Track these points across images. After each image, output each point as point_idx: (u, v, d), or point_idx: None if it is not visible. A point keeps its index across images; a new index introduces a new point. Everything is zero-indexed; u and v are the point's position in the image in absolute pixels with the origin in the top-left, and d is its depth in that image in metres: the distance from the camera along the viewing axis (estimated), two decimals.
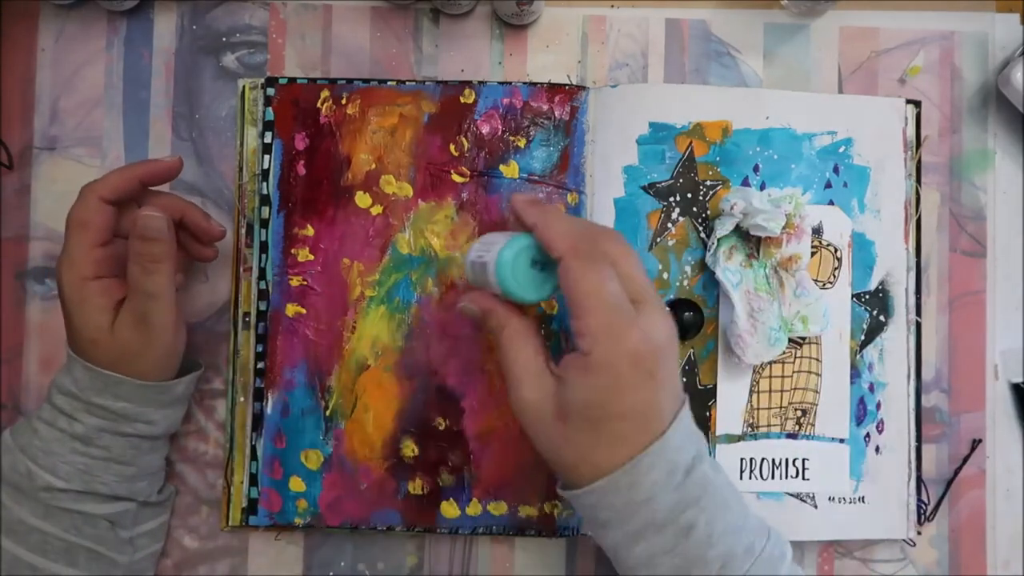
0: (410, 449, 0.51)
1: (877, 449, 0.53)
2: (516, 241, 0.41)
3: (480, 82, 0.53)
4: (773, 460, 0.52)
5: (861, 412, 0.53)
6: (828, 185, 0.53)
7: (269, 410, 0.51)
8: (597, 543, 0.42)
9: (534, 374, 0.41)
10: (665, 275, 0.52)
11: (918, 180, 0.55)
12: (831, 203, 0.53)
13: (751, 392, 0.52)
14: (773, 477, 0.52)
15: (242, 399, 0.52)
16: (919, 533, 0.54)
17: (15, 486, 0.46)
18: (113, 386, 0.46)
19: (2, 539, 0.45)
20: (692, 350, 0.52)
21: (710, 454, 0.51)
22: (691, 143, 0.52)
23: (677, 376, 0.41)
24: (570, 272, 0.39)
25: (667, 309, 0.41)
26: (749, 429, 0.52)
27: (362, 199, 0.52)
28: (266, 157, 0.52)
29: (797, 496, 0.52)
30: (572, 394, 0.39)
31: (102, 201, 0.45)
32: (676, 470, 0.39)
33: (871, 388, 0.53)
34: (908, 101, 0.54)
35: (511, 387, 0.41)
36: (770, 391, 0.52)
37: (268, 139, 0.52)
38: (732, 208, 0.49)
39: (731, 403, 0.52)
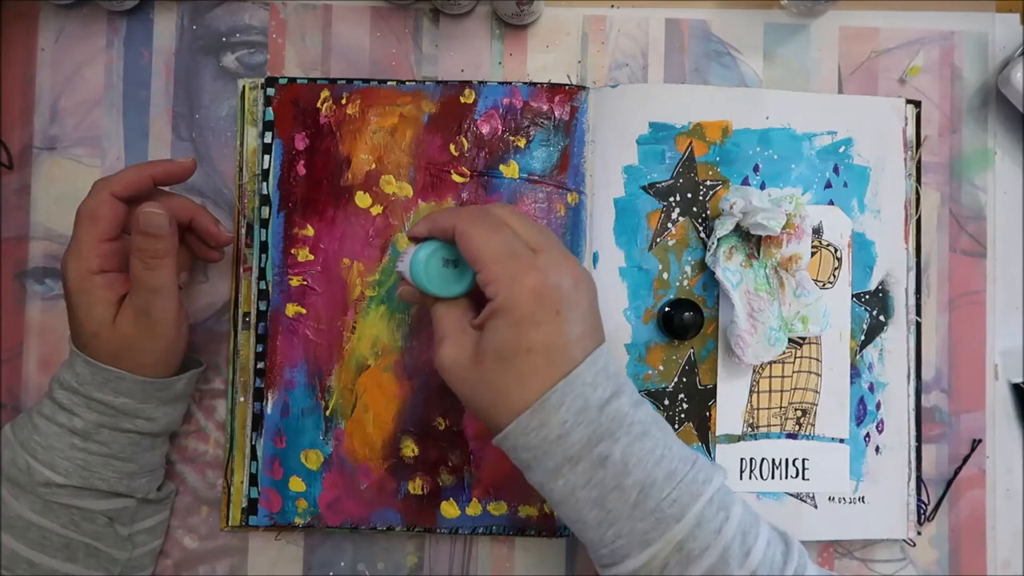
0: (410, 449, 0.51)
1: (877, 449, 0.53)
2: (425, 245, 0.44)
3: (480, 82, 0.53)
4: (773, 460, 0.52)
5: (861, 412, 0.53)
6: (828, 185, 0.53)
7: (269, 410, 0.51)
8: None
9: (459, 331, 0.43)
10: (665, 275, 0.52)
11: (918, 180, 0.55)
12: (831, 203, 0.53)
13: (751, 392, 0.52)
14: (773, 477, 0.52)
15: (242, 399, 0.52)
16: (919, 533, 0.54)
17: (14, 481, 0.46)
18: (114, 381, 0.46)
19: (1, 534, 0.45)
20: (692, 350, 0.52)
21: (710, 454, 0.51)
22: (691, 143, 0.52)
23: (590, 318, 0.42)
24: (464, 235, 0.42)
25: (571, 256, 0.43)
26: (749, 429, 0.52)
27: (362, 199, 0.52)
28: (266, 157, 0.52)
29: (797, 496, 0.52)
30: (486, 338, 0.41)
31: (113, 197, 0.46)
32: (588, 407, 0.40)
33: (871, 388, 0.53)
34: (908, 101, 0.54)
35: (436, 347, 0.43)
36: (770, 391, 0.52)
37: (268, 139, 0.52)
38: (732, 207, 0.49)
39: (731, 403, 0.52)
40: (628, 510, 0.39)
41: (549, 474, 0.40)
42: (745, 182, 0.52)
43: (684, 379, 0.52)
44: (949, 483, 0.54)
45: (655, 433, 0.41)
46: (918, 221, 0.54)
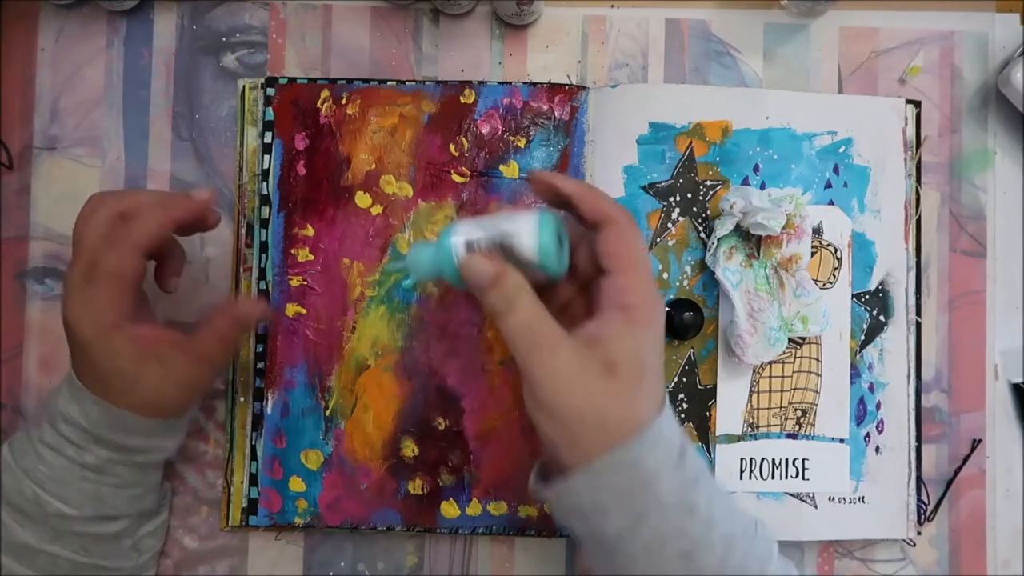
0: (410, 449, 0.51)
1: (877, 449, 0.53)
2: (548, 217, 0.41)
3: (480, 82, 0.53)
4: (773, 460, 0.52)
5: (861, 412, 0.53)
6: (828, 185, 0.53)
7: (269, 410, 0.51)
8: (581, 541, 0.40)
9: (564, 336, 0.39)
10: (665, 275, 0.52)
11: (918, 180, 0.55)
12: (831, 203, 0.53)
13: (751, 392, 0.52)
14: (773, 477, 0.52)
15: (242, 399, 0.52)
16: (919, 533, 0.54)
17: (18, 508, 0.44)
18: (128, 423, 0.44)
19: (2, 558, 0.44)
20: (692, 350, 0.52)
21: (710, 454, 0.51)
22: (691, 143, 0.52)
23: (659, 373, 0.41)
24: (623, 232, 0.40)
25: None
26: (749, 429, 0.52)
27: (362, 199, 0.52)
28: (266, 157, 0.52)
29: (797, 496, 0.52)
30: (619, 346, 0.38)
31: (140, 253, 0.43)
32: (672, 449, 0.38)
33: (871, 388, 0.53)
34: (908, 101, 0.54)
35: (541, 355, 0.38)
36: (770, 391, 0.52)
37: (268, 139, 0.52)
38: (731, 207, 0.49)
39: (731, 403, 0.52)
40: (717, 563, 0.37)
41: (633, 519, 0.37)
42: (745, 182, 0.52)
43: (684, 379, 0.52)
44: (949, 483, 0.54)
45: (722, 486, 0.41)
46: (918, 221, 0.54)
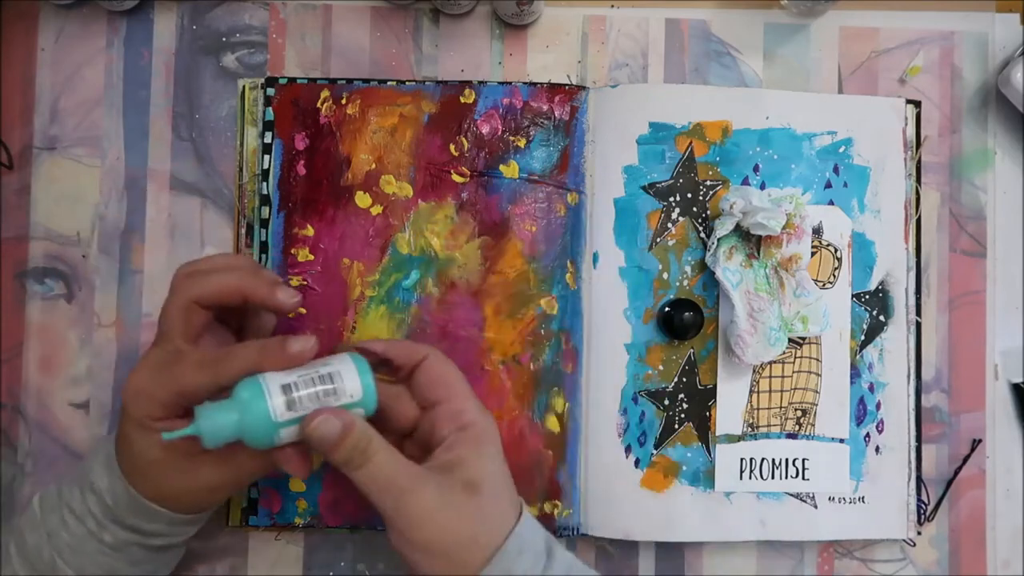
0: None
1: (877, 449, 0.53)
2: (358, 357, 0.42)
3: (480, 82, 0.53)
4: (773, 460, 0.52)
5: (861, 412, 0.53)
6: (828, 185, 0.53)
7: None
8: None
9: (421, 472, 0.41)
10: (665, 275, 0.52)
11: (918, 180, 0.55)
12: (831, 203, 0.53)
13: (751, 392, 0.52)
14: (773, 477, 0.52)
15: None
16: (919, 533, 0.54)
17: (34, 567, 0.43)
18: (151, 514, 0.43)
19: None
20: (692, 350, 0.52)
21: (710, 454, 0.51)
22: (691, 143, 0.52)
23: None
24: (437, 364, 0.44)
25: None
26: (749, 429, 0.52)
27: (362, 199, 0.52)
28: (266, 157, 0.52)
29: (797, 496, 0.52)
30: (476, 464, 0.41)
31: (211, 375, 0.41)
32: (539, 550, 0.41)
33: (871, 388, 0.53)
34: (908, 101, 0.54)
35: (407, 498, 0.40)
36: (770, 391, 0.52)
37: (268, 139, 0.52)
38: (731, 207, 0.49)
39: (731, 403, 0.52)
40: None
41: None
42: (745, 182, 0.52)
43: (684, 379, 0.52)
44: (949, 483, 0.54)
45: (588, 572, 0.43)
46: (918, 221, 0.54)
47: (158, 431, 0.40)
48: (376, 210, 0.52)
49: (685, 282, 0.52)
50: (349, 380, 0.41)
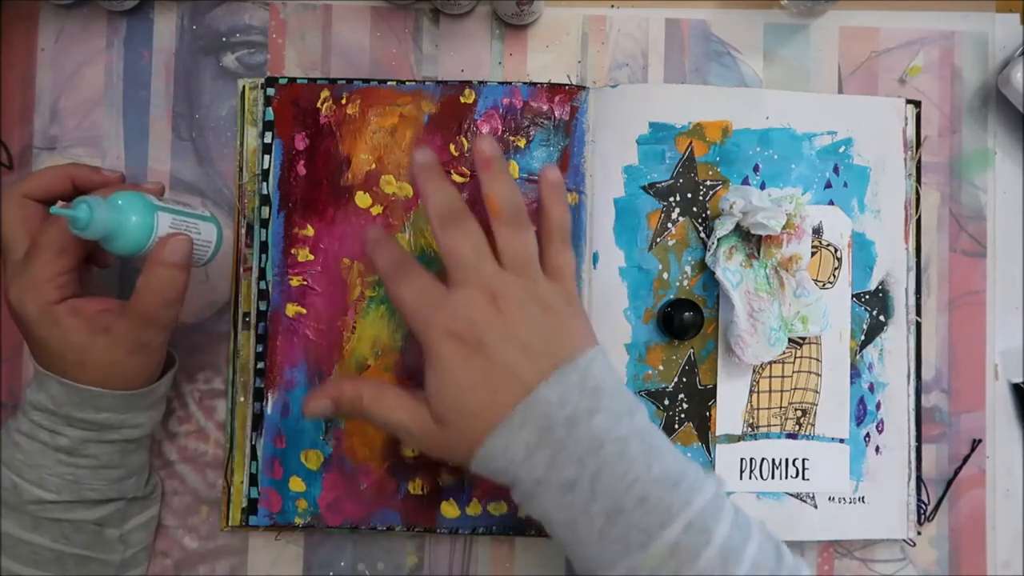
0: (410, 449, 0.51)
1: (877, 449, 0.53)
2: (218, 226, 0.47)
3: (480, 82, 0.53)
4: (773, 460, 0.52)
5: (861, 412, 0.53)
6: (828, 185, 0.53)
7: (269, 410, 0.51)
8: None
9: (412, 410, 0.42)
10: (665, 275, 0.52)
11: (918, 180, 0.55)
12: (831, 203, 0.53)
13: (751, 392, 0.52)
14: (773, 477, 0.52)
15: (242, 399, 0.52)
16: (919, 533, 0.54)
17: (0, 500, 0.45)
18: (94, 399, 0.44)
19: None
20: (692, 350, 0.52)
21: (710, 454, 0.51)
22: (691, 143, 0.52)
23: (541, 337, 0.41)
24: (390, 293, 0.44)
25: (500, 281, 0.42)
26: (749, 429, 0.52)
27: (362, 199, 0.52)
28: (266, 157, 0.52)
29: (797, 496, 0.52)
30: (431, 394, 0.41)
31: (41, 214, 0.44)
32: (553, 426, 0.39)
33: (871, 388, 0.53)
34: (908, 101, 0.54)
35: (403, 440, 0.44)
36: (770, 391, 0.52)
37: (268, 139, 0.52)
38: (731, 207, 0.49)
39: (731, 403, 0.52)
40: (595, 536, 0.38)
41: (524, 498, 0.40)
42: (745, 182, 0.52)
43: (684, 379, 0.52)
44: (949, 483, 0.54)
45: (634, 452, 0.39)
46: (918, 221, 0.54)
47: (61, 307, 0.43)
48: (376, 210, 0.52)
49: (685, 282, 0.52)
50: (206, 231, 0.46)
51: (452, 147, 0.52)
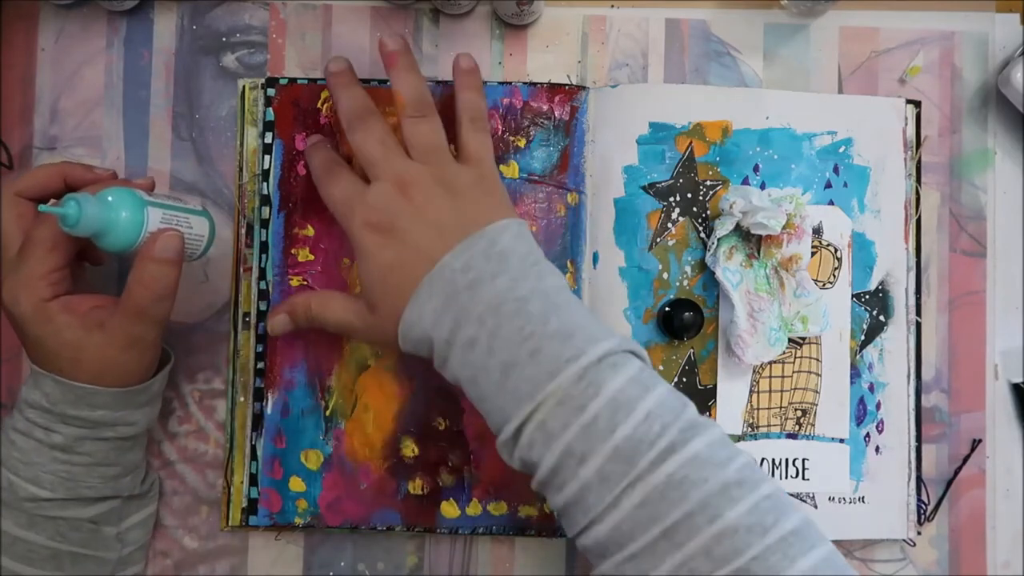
0: (410, 449, 0.51)
1: (877, 449, 0.53)
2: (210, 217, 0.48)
3: None
4: (773, 460, 0.52)
5: (861, 412, 0.53)
6: (828, 185, 0.53)
7: (269, 410, 0.51)
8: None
9: (352, 307, 0.45)
10: (665, 275, 0.52)
11: (918, 180, 0.55)
12: (831, 203, 0.53)
13: (751, 392, 0.52)
14: (773, 477, 0.52)
15: (242, 399, 0.52)
16: (919, 533, 0.54)
17: None
18: (88, 397, 0.44)
19: None
20: (692, 350, 0.52)
21: None
22: (691, 143, 0.52)
23: (450, 213, 0.43)
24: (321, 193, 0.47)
25: (409, 168, 0.44)
26: (749, 429, 0.52)
27: None
28: (266, 157, 0.52)
29: (797, 496, 0.52)
30: (363, 286, 0.44)
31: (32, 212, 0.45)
32: (456, 292, 0.41)
33: (871, 388, 0.53)
34: (908, 101, 0.54)
35: (351, 335, 0.49)
36: (770, 391, 0.52)
37: (268, 139, 0.52)
38: (731, 207, 0.49)
39: (731, 403, 0.52)
40: (494, 389, 0.40)
41: (441, 363, 0.43)
42: (745, 182, 0.52)
43: (684, 379, 0.52)
44: (949, 483, 0.54)
45: (533, 309, 0.40)
46: (918, 221, 0.54)
47: (55, 304, 0.43)
48: None
49: (685, 282, 0.52)
50: (198, 225, 0.47)
51: (452, 147, 0.52)
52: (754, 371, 0.52)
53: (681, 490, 0.36)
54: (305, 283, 0.52)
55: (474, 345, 0.41)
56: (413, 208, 0.43)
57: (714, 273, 0.50)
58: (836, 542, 0.53)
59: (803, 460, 0.52)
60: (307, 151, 0.49)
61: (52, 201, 0.45)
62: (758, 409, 0.52)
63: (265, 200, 0.52)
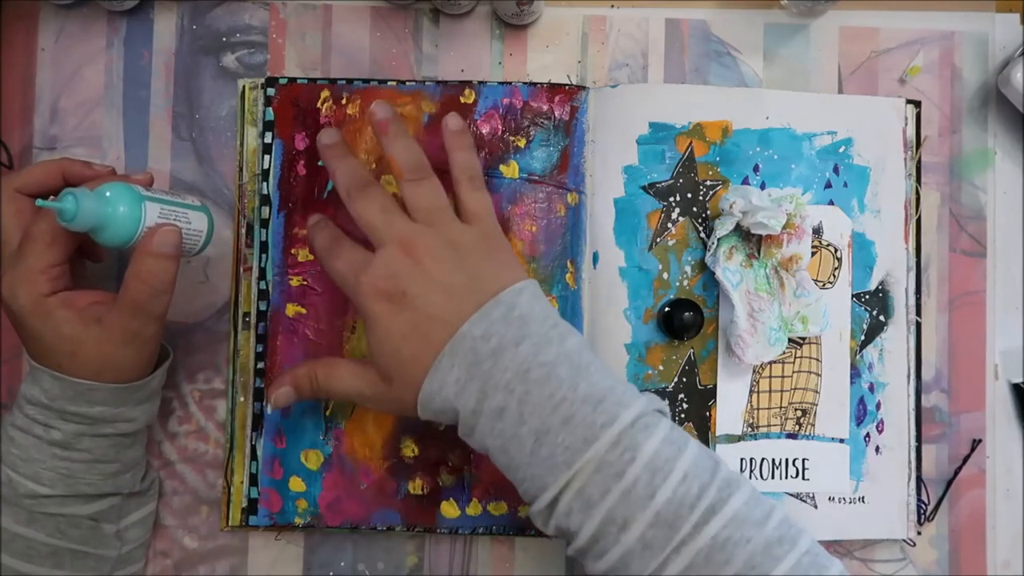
0: (410, 449, 0.51)
1: (877, 449, 0.53)
2: (209, 213, 0.48)
3: (480, 82, 0.53)
4: (773, 460, 0.52)
5: (861, 412, 0.53)
6: (828, 185, 0.53)
7: (269, 410, 0.51)
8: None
9: (362, 375, 0.44)
10: (665, 275, 0.52)
11: (918, 180, 0.55)
12: (831, 203, 0.53)
13: (751, 392, 0.52)
14: (773, 477, 0.52)
15: (242, 399, 0.52)
16: (919, 533, 0.54)
17: None
18: (86, 393, 0.44)
19: None
20: (692, 350, 0.52)
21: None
22: (691, 143, 0.52)
23: (464, 279, 0.42)
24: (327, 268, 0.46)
25: (417, 233, 0.43)
26: (749, 429, 0.52)
27: None
28: (266, 157, 0.52)
29: (797, 496, 0.52)
30: (375, 356, 0.43)
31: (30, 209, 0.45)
32: (480, 360, 0.41)
33: (871, 388, 0.53)
34: (908, 101, 0.54)
35: (361, 404, 0.46)
36: (770, 391, 0.52)
37: (268, 139, 0.52)
38: (731, 207, 0.49)
39: (731, 403, 0.52)
40: (527, 458, 0.40)
41: (467, 432, 0.42)
42: (745, 182, 0.52)
43: (684, 379, 0.52)
44: (949, 483, 0.54)
45: (561, 374, 0.40)
46: (918, 221, 0.54)
47: (53, 299, 0.43)
48: None
49: (685, 282, 0.52)
50: (197, 220, 0.46)
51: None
52: (754, 371, 0.52)
53: (725, 552, 0.37)
54: (305, 283, 0.52)
55: (503, 414, 0.40)
56: (421, 271, 0.42)
57: (714, 273, 0.50)
58: (836, 542, 0.54)
59: (803, 460, 0.52)
60: (309, 231, 0.48)
61: (51, 197, 0.45)
62: (758, 409, 0.52)
63: (265, 200, 0.52)
